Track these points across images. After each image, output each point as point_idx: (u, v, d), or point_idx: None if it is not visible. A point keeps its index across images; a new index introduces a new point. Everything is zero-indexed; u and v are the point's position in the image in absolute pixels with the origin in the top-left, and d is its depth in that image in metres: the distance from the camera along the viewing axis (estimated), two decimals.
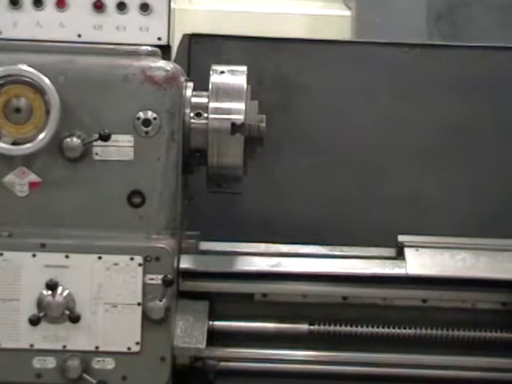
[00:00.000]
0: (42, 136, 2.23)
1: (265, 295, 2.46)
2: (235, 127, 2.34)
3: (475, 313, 2.47)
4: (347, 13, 4.19)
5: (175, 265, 2.32)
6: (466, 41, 3.13)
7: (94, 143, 2.25)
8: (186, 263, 2.41)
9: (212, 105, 2.34)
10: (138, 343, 2.27)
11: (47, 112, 2.25)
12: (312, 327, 2.44)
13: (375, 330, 2.45)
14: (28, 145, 2.23)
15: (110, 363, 2.28)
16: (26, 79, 2.22)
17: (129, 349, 2.27)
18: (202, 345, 2.32)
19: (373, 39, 3.15)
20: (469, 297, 2.46)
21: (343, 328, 2.45)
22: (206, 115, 2.35)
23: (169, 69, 2.29)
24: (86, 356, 2.26)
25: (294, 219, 2.79)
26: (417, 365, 2.46)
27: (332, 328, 2.44)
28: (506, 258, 2.53)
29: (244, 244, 2.59)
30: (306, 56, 2.85)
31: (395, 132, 2.87)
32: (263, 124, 2.48)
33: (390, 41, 2.96)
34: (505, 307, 2.43)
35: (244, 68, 2.42)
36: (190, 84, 2.36)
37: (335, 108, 2.85)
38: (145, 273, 2.27)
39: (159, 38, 2.41)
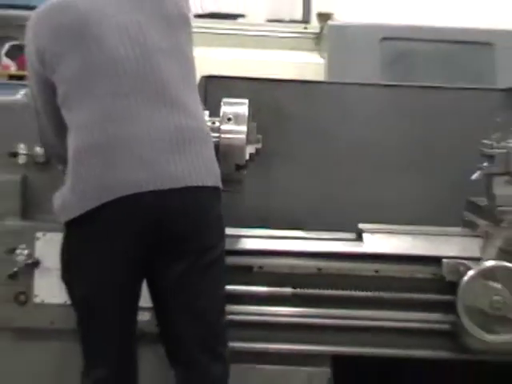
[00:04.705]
0: None
1: (261, 267, 2.67)
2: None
3: (414, 280, 2.68)
4: (322, 61, 4.38)
5: None
6: (414, 81, 3.38)
7: None
8: None
9: (223, 127, 2.57)
10: None
11: None
12: (295, 290, 2.67)
13: (341, 292, 2.67)
14: None
15: (145, 316, 2.38)
16: None
17: None
18: None
19: (341, 80, 3.42)
20: (410, 269, 2.68)
21: (318, 291, 2.67)
22: (218, 135, 2.53)
23: None
24: None
25: (283, 214, 2.89)
26: (370, 318, 2.68)
27: (310, 291, 2.67)
28: (441, 241, 2.74)
29: (244, 230, 2.75)
30: (291, 91, 3.04)
31: (364, 149, 3.01)
32: (259, 144, 2.70)
33: (354, 81, 3.21)
34: (435, 277, 2.64)
35: (246, 100, 2.64)
36: (207, 112, 2.51)
37: (315, 130, 2.99)
38: None
39: None
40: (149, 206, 2.06)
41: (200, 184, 2.13)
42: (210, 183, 2.17)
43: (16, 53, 7.75)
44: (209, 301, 2.23)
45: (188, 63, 2.28)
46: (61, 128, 2.22)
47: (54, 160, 2.53)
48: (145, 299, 2.29)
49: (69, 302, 2.30)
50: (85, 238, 2.14)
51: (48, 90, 2.23)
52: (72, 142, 2.15)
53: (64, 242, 2.20)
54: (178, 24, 2.27)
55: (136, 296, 2.22)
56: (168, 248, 2.14)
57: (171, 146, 2.11)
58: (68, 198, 2.14)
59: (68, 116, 2.17)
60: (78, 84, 2.15)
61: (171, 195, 2.07)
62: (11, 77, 7.75)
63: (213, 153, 2.28)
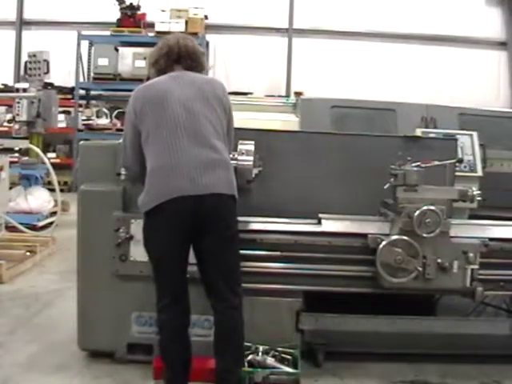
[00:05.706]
0: None
1: (261, 239, 2.61)
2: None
3: (351, 247, 2.61)
4: (297, 119, 4.27)
5: None
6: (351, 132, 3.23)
7: None
8: None
9: (239, 157, 2.56)
10: None
11: None
12: (281, 253, 2.62)
13: (308, 254, 2.61)
14: None
15: (194, 268, 2.17)
16: None
17: None
18: None
19: (308, 131, 3.31)
20: (349, 240, 2.60)
21: (294, 253, 2.61)
22: (236, 162, 2.51)
23: None
24: None
25: (275, 208, 2.76)
26: (325, 269, 2.60)
27: (290, 253, 2.61)
28: (367, 224, 2.64)
29: (251, 218, 2.62)
30: (279, 137, 2.95)
31: (323, 171, 2.89)
32: (260, 168, 2.72)
33: (315, 131, 3.12)
34: (364, 245, 2.57)
35: (252, 142, 2.63)
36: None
37: (293, 160, 2.90)
38: None
39: None
40: (189, 204, 2.06)
41: (220, 192, 2.11)
42: (227, 192, 2.14)
43: (120, 116, 8.34)
44: (229, 259, 2.19)
45: (218, 121, 2.26)
46: (140, 157, 2.22)
47: (130, 177, 2.46)
48: (193, 258, 2.23)
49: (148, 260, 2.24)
50: (154, 222, 2.12)
51: (136, 134, 2.24)
52: (148, 165, 2.16)
53: (144, 224, 2.20)
54: (213, 100, 2.24)
55: (186, 256, 2.17)
56: (202, 228, 2.11)
57: (204, 169, 2.10)
58: (144, 198, 2.16)
59: (146, 150, 2.20)
60: (153, 131, 2.18)
61: (202, 198, 2.07)
62: (117, 130, 8.39)
63: (232, 174, 2.24)
